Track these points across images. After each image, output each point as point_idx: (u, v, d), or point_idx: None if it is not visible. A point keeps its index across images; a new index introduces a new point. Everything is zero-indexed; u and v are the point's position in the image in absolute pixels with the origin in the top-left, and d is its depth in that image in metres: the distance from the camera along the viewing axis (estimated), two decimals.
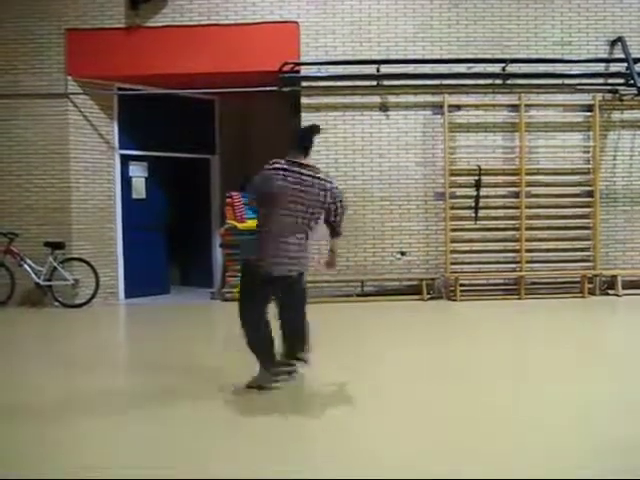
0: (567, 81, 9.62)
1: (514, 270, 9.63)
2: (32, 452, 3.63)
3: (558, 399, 4.51)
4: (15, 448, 3.70)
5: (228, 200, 9.84)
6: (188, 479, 3.30)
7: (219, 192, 10.91)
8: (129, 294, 10.08)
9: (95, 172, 9.79)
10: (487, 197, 9.58)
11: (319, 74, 9.56)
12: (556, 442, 3.67)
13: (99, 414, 4.33)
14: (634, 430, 3.86)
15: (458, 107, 9.64)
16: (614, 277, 9.55)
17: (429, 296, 9.42)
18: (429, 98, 9.61)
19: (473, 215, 9.56)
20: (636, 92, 9.32)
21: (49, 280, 9.28)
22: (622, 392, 4.67)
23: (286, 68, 9.41)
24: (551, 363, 5.61)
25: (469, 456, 3.53)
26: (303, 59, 9.52)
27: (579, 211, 9.70)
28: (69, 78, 9.51)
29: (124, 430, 4.05)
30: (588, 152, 9.77)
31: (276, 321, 4.71)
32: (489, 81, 9.61)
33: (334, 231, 4.77)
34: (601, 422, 4.06)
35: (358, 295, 9.41)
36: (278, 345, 4.76)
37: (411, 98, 9.62)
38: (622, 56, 9.46)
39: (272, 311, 4.71)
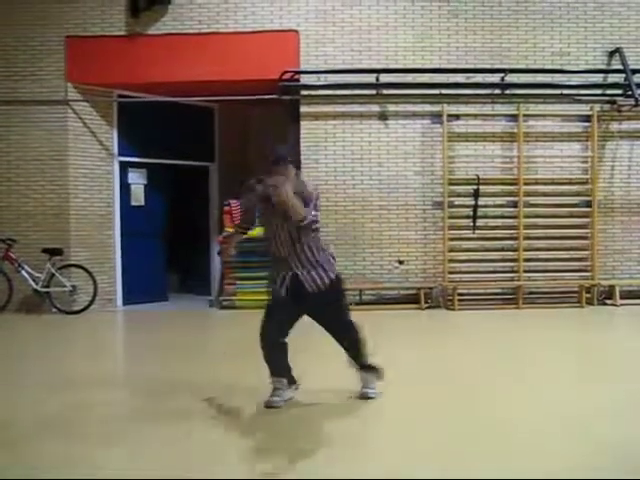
0: (565, 91, 9.66)
1: (512, 280, 9.63)
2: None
3: (556, 405, 4.51)
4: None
5: (226, 208, 9.84)
6: (188, 479, 3.30)
7: (218, 200, 10.91)
8: (127, 301, 10.08)
9: (94, 179, 9.80)
10: (485, 206, 9.60)
11: (319, 83, 9.59)
12: (554, 444, 3.67)
13: (95, 433, 4.30)
14: (632, 435, 3.87)
15: (457, 117, 9.67)
16: (612, 287, 9.56)
17: (427, 305, 9.42)
18: (428, 107, 9.64)
19: (471, 224, 9.58)
20: (634, 103, 9.36)
21: (47, 286, 9.27)
22: (619, 398, 4.67)
23: (286, 76, 9.44)
24: (549, 371, 5.60)
25: (469, 456, 3.54)
26: (303, 67, 9.55)
27: (577, 221, 9.72)
28: (69, 85, 9.53)
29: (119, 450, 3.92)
30: (586, 162, 9.80)
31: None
32: (488, 91, 9.65)
33: None
34: (598, 426, 4.06)
35: (356, 304, 9.41)
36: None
37: (410, 107, 9.65)
38: (620, 67, 9.51)
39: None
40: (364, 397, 4.66)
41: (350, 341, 4.63)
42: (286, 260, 4.36)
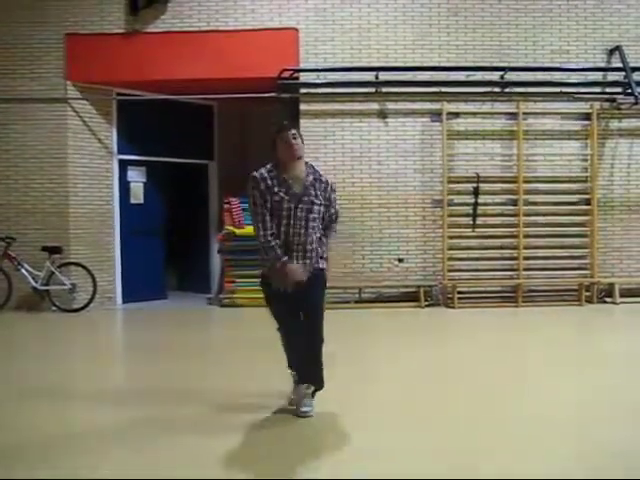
0: (565, 89, 9.66)
1: (512, 278, 9.63)
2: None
3: (554, 405, 4.50)
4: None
5: (226, 206, 9.84)
6: (188, 479, 3.30)
7: (217, 198, 10.91)
8: (126, 299, 10.08)
9: (93, 177, 9.79)
10: (485, 204, 9.60)
11: (318, 81, 9.58)
12: (553, 444, 3.68)
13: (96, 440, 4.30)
14: (632, 434, 3.87)
15: (456, 115, 9.66)
16: (611, 285, 9.57)
17: (426, 303, 9.42)
18: (427, 105, 9.63)
19: (471, 222, 9.58)
20: (634, 101, 9.36)
21: (46, 285, 9.27)
22: (618, 398, 4.67)
23: (285, 74, 9.43)
24: (548, 371, 5.60)
25: (469, 456, 3.54)
26: (302, 66, 9.54)
27: (577, 219, 9.72)
28: (68, 83, 9.52)
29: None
30: (586, 160, 9.80)
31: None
32: (487, 89, 9.64)
33: None
34: (597, 425, 4.05)
35: (356, 302, 9.41)
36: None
37: (409, 105, 9.64)
38: (620, 65, 9.50)
39: None
40: (301, 415, 4.24)
41: (312, 351, 4.21)
42: (295, 248, 4.13)
